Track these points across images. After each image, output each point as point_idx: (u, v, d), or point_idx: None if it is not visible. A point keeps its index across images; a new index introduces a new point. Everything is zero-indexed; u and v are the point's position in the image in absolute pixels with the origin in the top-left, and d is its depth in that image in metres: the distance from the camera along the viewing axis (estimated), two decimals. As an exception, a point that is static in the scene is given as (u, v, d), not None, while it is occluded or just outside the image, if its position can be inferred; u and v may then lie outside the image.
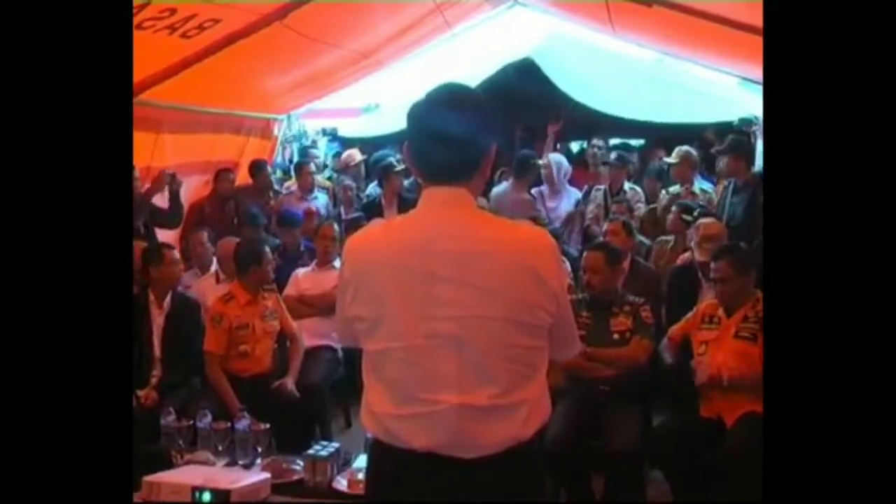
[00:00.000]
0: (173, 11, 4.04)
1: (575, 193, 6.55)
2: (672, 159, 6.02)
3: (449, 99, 1.74)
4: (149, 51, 4.34)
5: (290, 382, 4.31)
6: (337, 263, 4.98)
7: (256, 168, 6.59)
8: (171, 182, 5.30)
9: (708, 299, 4.14)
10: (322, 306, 4.77)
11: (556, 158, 6.60)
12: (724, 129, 6.56)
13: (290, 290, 5.04)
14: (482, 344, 1.66)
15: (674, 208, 5.33)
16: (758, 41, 4.05)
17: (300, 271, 5.20)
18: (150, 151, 5.51)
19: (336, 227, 5.29)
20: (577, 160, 7.24)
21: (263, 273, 4.44)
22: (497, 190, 6.49)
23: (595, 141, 7.08)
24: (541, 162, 6.44)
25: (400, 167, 6.24)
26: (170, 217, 5.45)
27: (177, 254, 4.53)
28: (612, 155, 6.66)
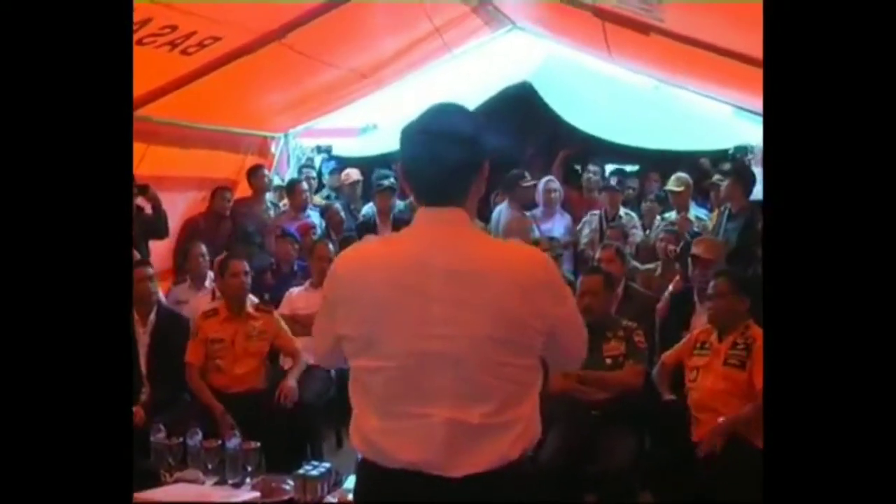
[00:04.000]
0: (174, 28, 4.07)
1: (567, 217, 6.58)
2: (675, 187, 6.06)
3: (441, 119, 1.75)
4: (149, 66, 4.37)
5: (290, 382, 4.36)
6: None
7: (253, 171, 6.63)
8: (144, 194, 5.27)
9: (701, 324, 4.16)
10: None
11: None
12: (719, 157, 6.63)
13: (283, 308, 5.04)
14: (475, 363, 1.65)
15: (661, 236, 5.38)
16: (753, 71, 4.10)
17: (294, 290, 5.21)
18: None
19: (330, 246, 5.29)
20: (572, 183, 7.27)
21: (228, 286, 4.45)
22: (495, 211, 6.53)
23: (591, 167, 7.11)
24: (531, 182, 6.47)
25: (393, 186, 6.28)
26: (155, 223, 5.42)
27: (150, 270, 4.48)
28: (613, 180, 6.70)
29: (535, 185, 6.53)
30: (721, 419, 3.55)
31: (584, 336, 1.90)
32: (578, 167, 7.76)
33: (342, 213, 6.67)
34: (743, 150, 6.43)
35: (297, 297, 5.13)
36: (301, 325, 4.84)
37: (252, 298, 4.73)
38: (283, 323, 4.63)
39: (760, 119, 6.00)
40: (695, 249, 4.58)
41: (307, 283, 5.22)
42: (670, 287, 4.84)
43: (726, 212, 5.44)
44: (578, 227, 6.48)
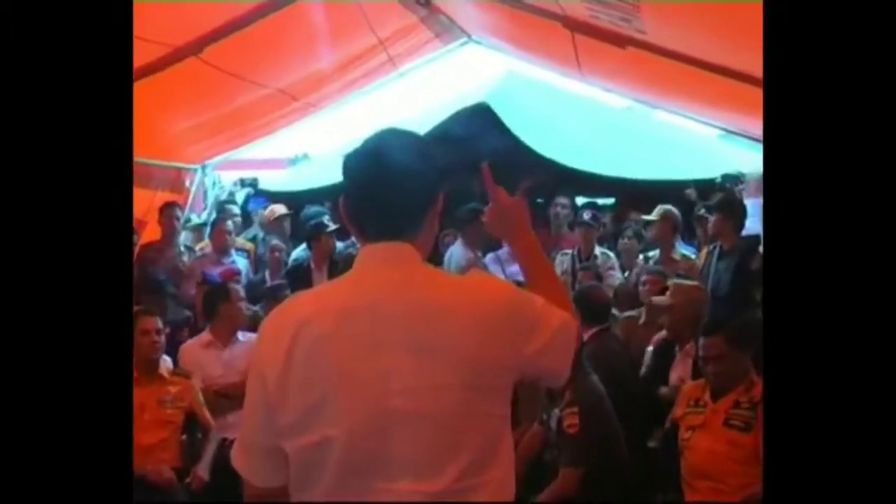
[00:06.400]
0: (72, 41, 3.99)
1: None
2: (651, 216, 6.11)
3: (389, 145, 1.75)
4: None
5: (201, 470, 4.29)
6: (242, 336, 4.93)
7: (164, 209, 6.56)
8: None
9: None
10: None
11: None
12: (705, 186, 6.71)
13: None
14: (442, 418, 1.62)
15: (645, 276, 5.41)
16: (743, 89, 4.17)
17: (191, 345, 5.02)
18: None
19: (240, 289, 5.20)
20: (537, 219, 7.29)
21: (138, 346, 4.34)
22: (447, 253, 6.54)
23: (559, 199, 7.15)
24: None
25: (332, 227, 6.24)
26: None
27: None
28: (587, 214, 6.73)
29: None
30: None
31: (567, 355, 1.85)
32: (541, 200, 7.80)
33: (283, 252, 6.65)
34: (732, 179, 6.50)
35: (208, 361, 4.90)
36: (226, 397, 4.66)
37: (166, 360, 4.65)
38: (200, 394, 4.54)
39: (749, 143, 6.13)
40: (655, 298, 4.63)
41: (205, 338, 5.02)
42: (650, 346, 4.86)
43: (716, 250, 5.50)
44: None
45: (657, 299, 4.68)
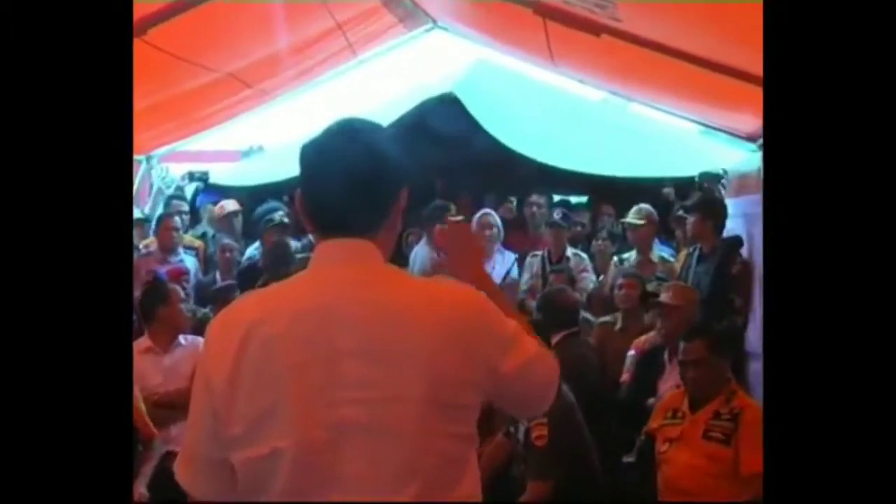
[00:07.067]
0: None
1: (511, 257, 6.57)
2: (635, 220, 6.10)
3: (350, 136, 1.73)
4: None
5: (140, 486, 4.24)
6: (183, 340, 4.86)
7: None
8: None
9: (674, 380, 4.20)
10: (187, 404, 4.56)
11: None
12: (684, 184, 6.72)
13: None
14: (399, 433, 1.59)
15: (621, 279, 5.40)
16: (723, 81, 4.18)
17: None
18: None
19: (181, 289, 5.15)
20: (514, 220, 7.29)
21: None
22: (412, 254, 6.51)
23: (534, 198, 7.13)
24: (458, 218, 6.45)
25: (277, 221, 6.22)
26: None
27: None
28: (557, 214, 6.72)
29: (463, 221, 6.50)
30: None
31: (544, 380, 1.82)
32: (513, 199, 7.79)
33: (234, 252, 6.63)
34: (711, 178, 6.50)
35: (141, 364, 4.65)
36: (169, 407, 4.57)
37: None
38: (141, 403, 4.43)
39: (730, 139, 6.14)
40: (662, 296, 4.62)
41: (143, 342, 4.87)
42: (632, 350, 4.85)
43: (695, 252, 5.52)
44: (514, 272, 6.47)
45: (665, 298, 4.66)
